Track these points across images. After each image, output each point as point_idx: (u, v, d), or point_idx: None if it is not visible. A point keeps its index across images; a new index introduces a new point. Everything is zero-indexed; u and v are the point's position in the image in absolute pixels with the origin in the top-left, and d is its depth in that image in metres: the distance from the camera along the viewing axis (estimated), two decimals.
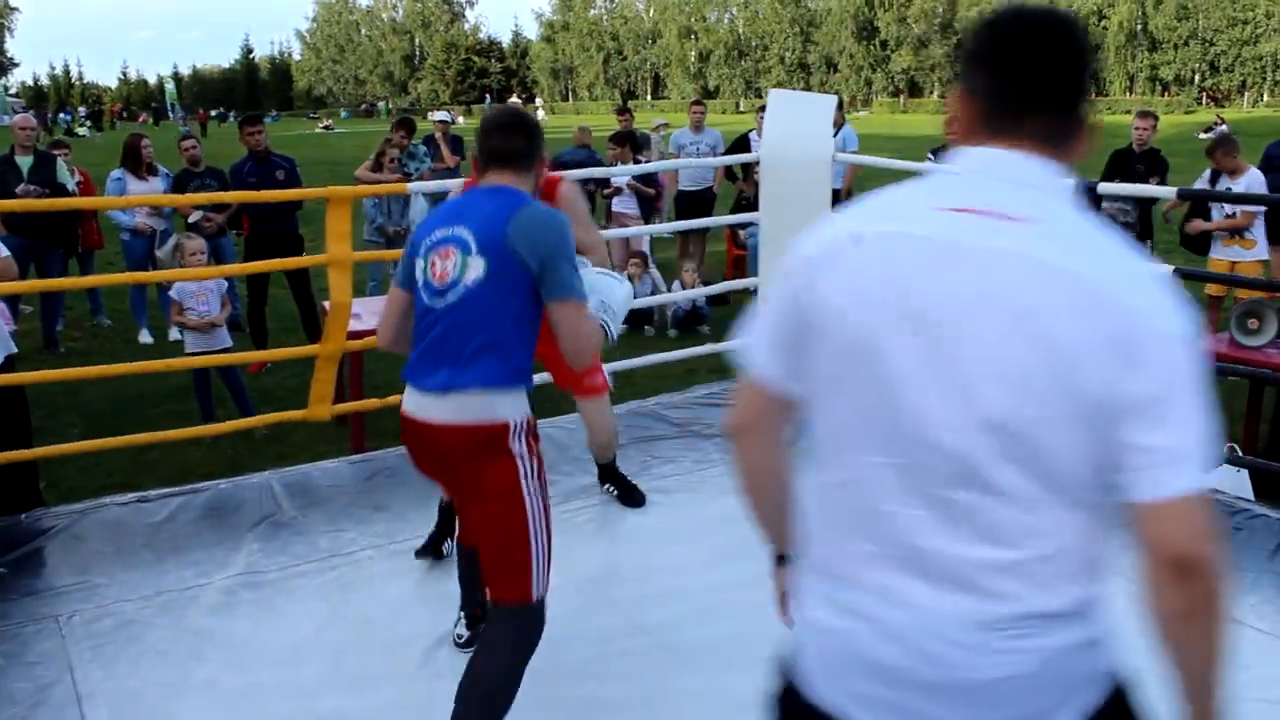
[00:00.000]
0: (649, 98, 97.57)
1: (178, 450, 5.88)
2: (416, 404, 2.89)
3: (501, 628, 2.88)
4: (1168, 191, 6.69)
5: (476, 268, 2.78)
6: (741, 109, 73.22)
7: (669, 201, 10.85)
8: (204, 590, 4.11)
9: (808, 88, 73.07)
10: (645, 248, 9.98)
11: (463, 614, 3.69)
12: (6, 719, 3.31)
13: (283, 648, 3.70)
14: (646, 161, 10.69)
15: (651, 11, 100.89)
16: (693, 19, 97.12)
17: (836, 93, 10.05)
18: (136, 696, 3.40)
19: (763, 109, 8.53)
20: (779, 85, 65.27)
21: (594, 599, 4.00)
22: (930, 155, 9.92)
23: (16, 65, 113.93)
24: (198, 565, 4.30)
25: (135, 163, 8.79)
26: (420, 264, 2.89)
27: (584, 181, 10.46)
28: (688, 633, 3.71)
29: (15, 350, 4.98)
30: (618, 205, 10.05)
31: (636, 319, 8.75)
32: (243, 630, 3.83)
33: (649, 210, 10.22)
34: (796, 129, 6.35)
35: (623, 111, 12.36)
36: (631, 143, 10.45)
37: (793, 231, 5.76)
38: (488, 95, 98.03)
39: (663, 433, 5.74)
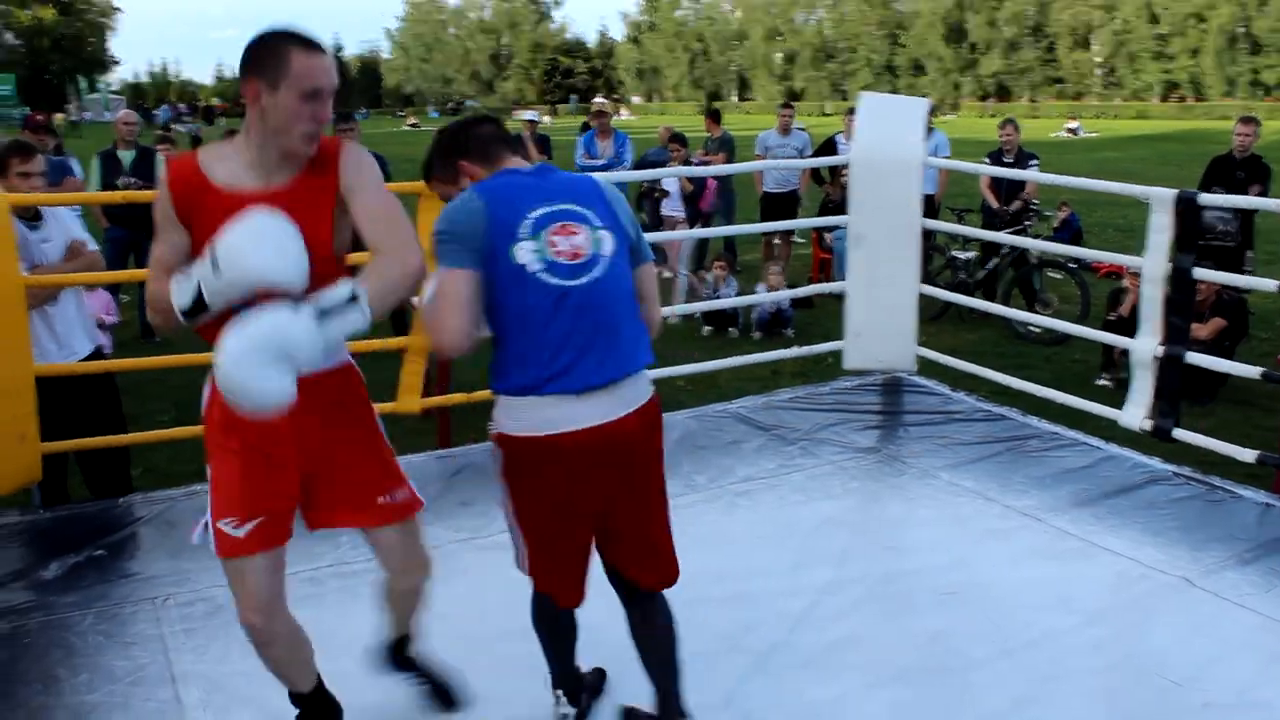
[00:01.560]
0: (735, 99, 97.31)
1: None
2: (595, 408, 2.69)
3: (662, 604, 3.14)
4: (1271, 204, 6.48)
5: (608, 241, 2.73)
6: (828, 112, 72.63)
7: (717, 203, 10.76)
8: (293, 579, 4.11)
9: (894, 91, 72.30)
10: (686, 251, 9.91)
11: None
12: (105, 695, 3.39)
13: (368, 639, 3.73)
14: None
15: (738, 13, 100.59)
16: (779, 20, 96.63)
17: (926, 96, 9.93)
18: (227, 680, 3.46)
19: (850, 112, 8.46)
20: (866, 88, 64.59)
21: (671, 602, 3.97)
22: (986, 159, 9.79)
23: (118, 63, 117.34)
24: (287, 554, 4.35)
25: None
26: (532, 245, 2.64)
27: (644, 183, 10.48)
28: (767, 637, 3.68)
29: (103, 343, 5.14)
30: (666, 208, 10.01)
31: (721, 321, 8.71)
32: (330, 619, 3.86)
33: (694, 213, 10.16)
34: (887, 132, 6.28)
35: (712, 114, 12.34)
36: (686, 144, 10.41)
37: (881, 235, 5.76)
38: (573, 95, 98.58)
39: (745, 436, 5.71)
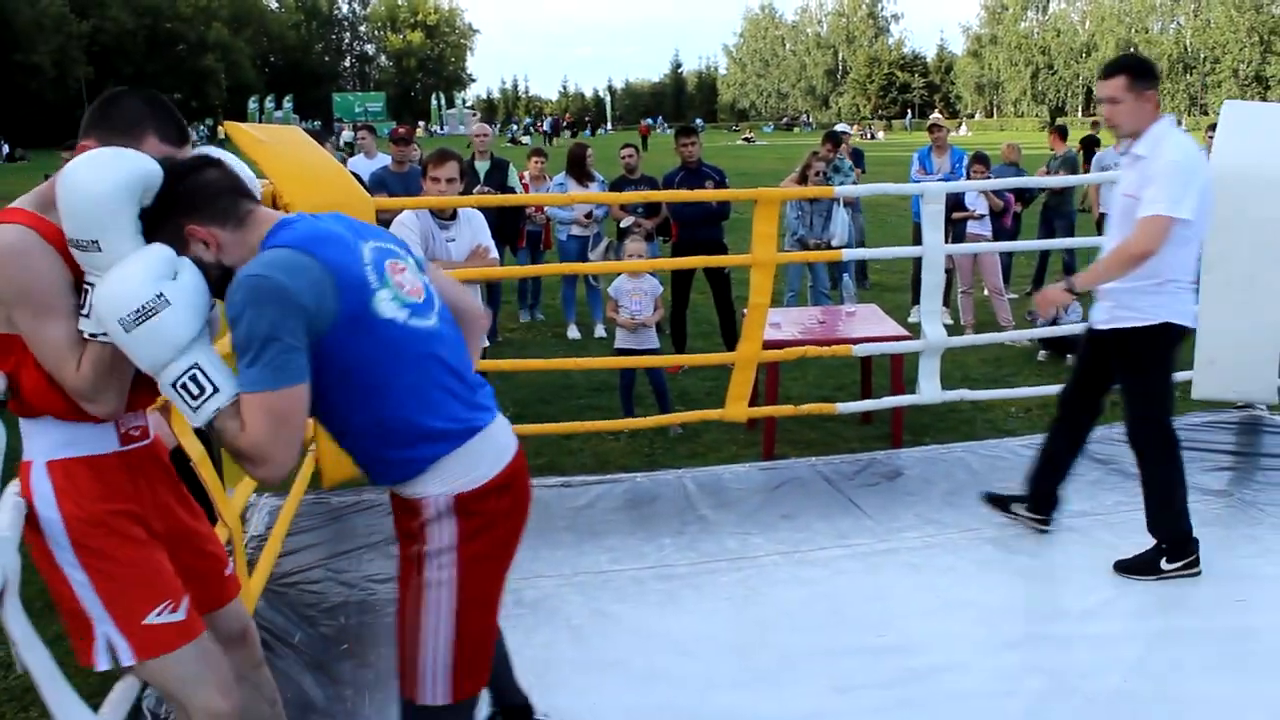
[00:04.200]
0: (1079, 114, 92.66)
1: (597, 440, 6.23)
2: (503, 431, 2.41)
3: None
4: None
5: (416, 269, 2.39)
6: (1183, 127, 67.95)
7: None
8: (617, 576, 4.33)
9: (1264, 102, 66.35)
10: (999, 271, 9.46)
11: None
12: None
13: (686, 640, 3.83)
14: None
15: (1088, 23, 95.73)
16: (1134, 30, 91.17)
17: None
18: (550, 667, 3.61)
19: (1211, 128, 7.87)
20: (1230, 99, 59.60)
21: (994, 632, 3.84)
22: None
23: (474, 81, 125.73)
24: (612, 552, 4.54)
25: (579, 170, 9.40)
26: (389, 293, 2.21)
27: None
28: (1102, 683, 3.47)
29: None
30: (974, 228, 9.60)
31: (1059, 347, 8.31)
32: (650, 619, 4.00)
33: (998, 231, 9.69)
34: (1255, 144, 5.79)
35: (1058, 129, 11.82)
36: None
37: (1246, 256, 5.29)
38: (909, 110, 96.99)
39: (1082, 469, 5.39)
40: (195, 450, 3.36)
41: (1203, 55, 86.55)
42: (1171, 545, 4.27)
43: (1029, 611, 4.00)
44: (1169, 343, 4.20)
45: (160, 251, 2.11)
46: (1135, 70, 4.16)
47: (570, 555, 4.52)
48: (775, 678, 3.55)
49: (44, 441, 2.29)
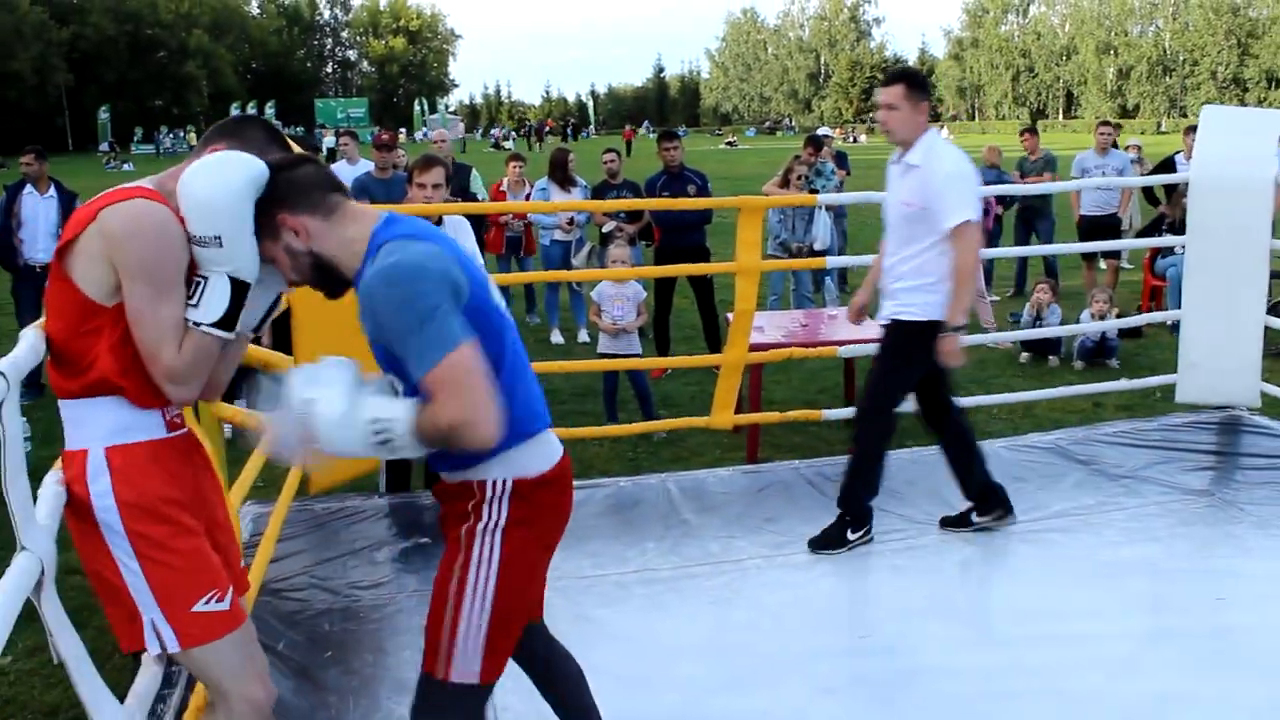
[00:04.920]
0: (1060, 117, 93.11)
1: (580, 445, 6.22)
2: (558, 443, 2.51)
3: None
4: None
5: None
6: (1163, 129, 68.17)
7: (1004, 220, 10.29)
8: (600, 581, 4.33)
9: (1242, 105, 66.91)
10: (981, 277, 9.49)
11: None
12: None
13: (669, 644, 3.83)
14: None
15: (1067, 26, 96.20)
16: (1113, 33, 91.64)
17: None
18: None
19: (1191, 129, 7.92)
20: (1209, 102, 59.92)
21: (978, 633, 3.86)
22: None
23: (456, 86, 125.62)
24: (595, 557, 4.54)
25: (561, 175, 9.40)
26: (491, 285, 2.38)
27: None
28: (1085, 682, 3.49)
29: None
30: None
31: (1041, 348, 8.36)
32: (633, 623, 4.00)
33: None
34: (1234, 148, 5.84)
35: (1029, 130, 11.87)
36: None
37: (1226, 261, 5.35)
38: None
39: (1063, 470, 5.45)
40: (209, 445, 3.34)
41: (1182, 58, 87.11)
42: (855, 518, 4.60)
43: (1012, 612, 4.01)
44: (933, 337, 4.38)
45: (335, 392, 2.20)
46: (912, 81, 4.42)
47: (553, 560, 4.50)
48: (759, 680, 3.56)
49: (100, 427, 2.31)
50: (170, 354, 2.25)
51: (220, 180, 2.22)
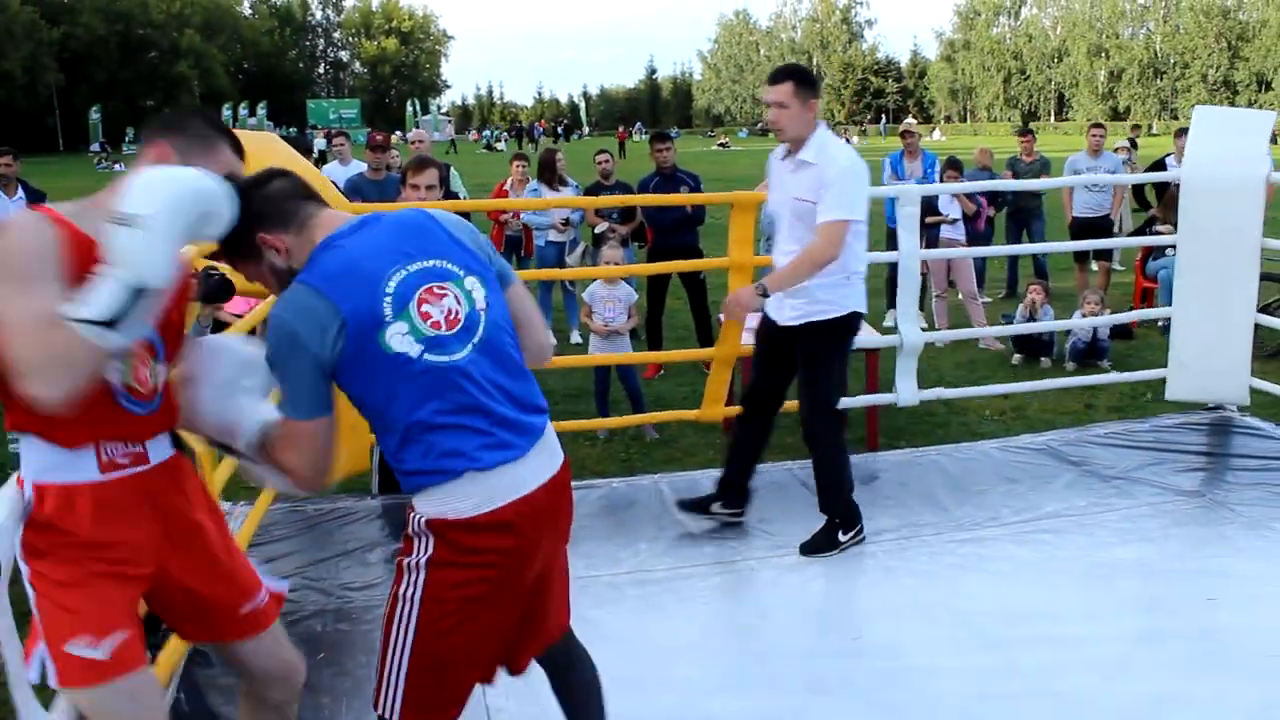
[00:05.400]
0: (1051, 119, 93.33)
1: (573, 446, 6.22)
2: (531, 471, 2.33)
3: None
4: None
5: (478, 289, 2.33)
6: (1155, 131, 68.30)
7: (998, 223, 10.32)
8: (594, 583, 4.33)
9: (1233, 106, 66.85)
10: (972, 275, 9.52)
11: None
12: None
13: (666, 646, 3.84)
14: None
15: (1059, 29, 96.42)
16: (1104, 36, 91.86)
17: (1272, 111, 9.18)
18: (527, 674, 3.60)
19: (1181, 132, 7.94)
20: (1200, 105, 59.94)
21: (971, 634, 3.87)
22: None
23: (449, 87, 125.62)
24: (589, 558, 4.53)
25: (550, 175, 9.40)
26: (404, 327, 2.20)
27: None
28: (1079, 684, 3.50)
29: None
30: (946, 232, 9.64)
31: (1033, 348, 8.37)
32: (627, 625, 4.00)
33: (972, 235, 9.75)
34: (1226, 148, 5.86)
35: (1024, 133, 11.89)
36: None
37: (1217, 260, 5.37)
38: (883, 115, 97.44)
39: (1055, 470, 5.46)
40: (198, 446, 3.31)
41: (1172, 60, 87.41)
42: (844, 519, 4.62)
43: (1004, 613, 4.02)
44: (852, 331, 4.52)
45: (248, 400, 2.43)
46: (801, 79, 4.40)
47: None
48: (753, 681, 3.56)
49: (29, 464, 2.25)
50: (23, 344, 1.99)
51: (172, 173, 2.10)
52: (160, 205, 2.03)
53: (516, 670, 2.60)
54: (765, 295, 4.41)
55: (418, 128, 22.77)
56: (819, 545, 4.56)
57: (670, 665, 3.67)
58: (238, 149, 2.36)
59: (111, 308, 2.00)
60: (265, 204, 2.25)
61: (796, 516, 4.84)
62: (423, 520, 2.28)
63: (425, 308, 2.22)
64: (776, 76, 4.39)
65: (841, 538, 4.58)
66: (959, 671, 3.58)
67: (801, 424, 4.65)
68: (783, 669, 3.63)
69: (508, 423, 2.30)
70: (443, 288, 2.26)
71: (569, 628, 2.70)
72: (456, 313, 2.26)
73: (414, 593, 2.28)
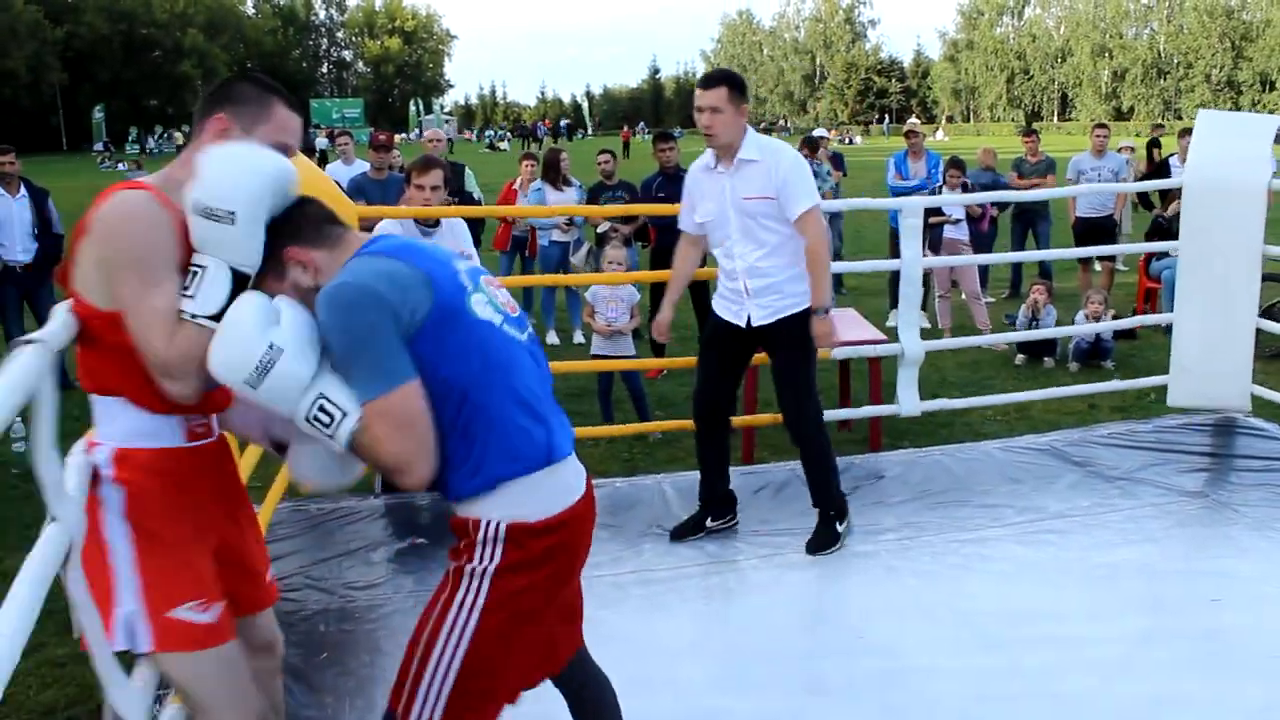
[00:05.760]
0: (1055, 119, 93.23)
1: (577, 446, 6.19)
2: (574, 473, 2.34)
3: None
4: None
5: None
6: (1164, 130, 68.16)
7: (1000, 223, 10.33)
8: (597, 582, 4.32)
9: (1236, 108, 67.10)
10: (976, 276, 9.53)
11: None
12: None
13: (668, 645, 3.84)
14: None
15: (1062, 29, 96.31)
16: (1108, 35, 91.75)
17: (1275, 113, 9.15)
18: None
19: (1185, 133, 7.93)
20: (1203, 105, 60.04)
21: (973, 635, 3.86)
22: None
23: (452, 86, 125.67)
24: (592, 557, 4.45)
25: (554, 175, 9.40)
26: (483, 296, 2.23)
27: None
28: (1079, 685, 3.49)
29: None
30: (950, 232, 9.65)
31: (1036, 349, 8.37)
32: (630, 624, 4.00)
33: (976, 236, 9.76)
34: (1229, 152, 5.85)
35: (1029, 133, 11.89)
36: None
37: (1219, 263, 5.36)
38: (886, 115, 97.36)
39: (1058, 471, 5.46)
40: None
41: (1176, 60, 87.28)
42: (838, 509, 4.65)
43: (1007, 614, 4.01)
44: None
45: (254, 302, 2.13)
46: (734, 83, 4.42)
47: None
48: (755, 680, 3.56)
49: (115, 427, 2.27)
50: (160, 346, 2.11)
51: (251, 161, 2.14)
52: (246, 198, 2.10)
53: (529, 685, 2.53)
54: (828, 310, 4.46)
55: (428, 127, 22.78)
56: (824, 541, 4.56)
57: (673, 665, 3.67)
58: (290, 103, 2.38)
59: (221, 302, 2.12)
60: (300, 220, 2.23)
61: (798, 516, 4.84)
62: (499, 525, 2.19)
63: (491, 288, 2.27)
64: (710, 81, 4.39)
65: (839, 528, 4.60)
66: (960, 672, 3.58)
67: (789, 424, 4.66)
68: (784, 669, 3.63)
69: (556, 418, 2.32)
70: (491, 280, 2.32)
71: (583, 644, 2.68)
72: (512, 302, 2.32)
73: (475, 600, 2.21)
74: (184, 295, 2.14)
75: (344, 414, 2.09)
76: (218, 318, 2.12)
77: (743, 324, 4.53)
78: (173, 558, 2.27)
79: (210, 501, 2.41)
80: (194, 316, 2.13)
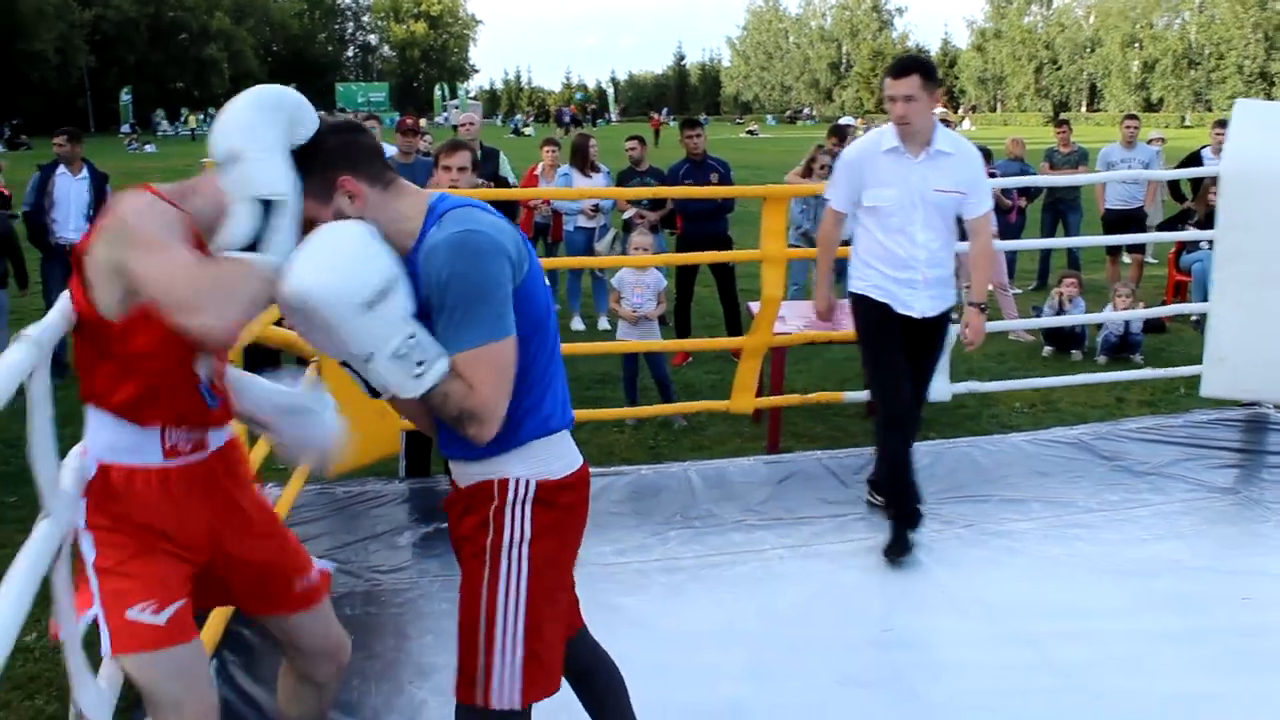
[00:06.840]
0: (1083, 109, 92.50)
1: (601, 433, 6.22)
2: (576, 451, 2.41)
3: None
4: None
5: None
6: (1187, 123, 67.64)
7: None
8: (622, 569, 4.33)
9: (1269, 99, 66.25)
10: (1004, 267, 9.44)
11: None
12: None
13: (691, 634, 3.82)
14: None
15: (1092, 18, 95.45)
16: (1138, 25, 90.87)
17: None
18: None
19: (1219, 125, 7.84)
20: (1234, 97, 59.23)
21: (1001, 629, 3.84)
22: None
23: (477, 71, 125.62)
24: (617, 544, 4.53)
25: (582, 160, 9.37)
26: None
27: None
28: (1107, 681, 3.47)
29: None
30: None
31: (1064, 341, 8.30)
32: (654, 612, 3.99)
33: (1004, 227, 9.68)
34: (1269, 143, 5.76)
35: (1060, 124, 11.80)
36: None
37: (1257, 255, 5.26)
38: None
39: (1087, 465, 5.41)
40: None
41: (1207, 51, 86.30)
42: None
43: (1036, 608, 3.98)
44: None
45: (368, 228, 2.08)
46: (928, 71, 4.31)
47: None
48: (780, 670, 3.55)
49: (95, 439, 2.29)
50: (170, 289, 2.00)
51: (241, 99, 2.11)
52: (251, 128, 2.07)
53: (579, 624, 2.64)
54: (985, 310, 4.55)
55: (462, 110, 22.75)
56: (900, 548, 4.40)
57: (697, 653, 3.65)
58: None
59: (250, 228, 2.06)
60: (357, 150, 2.18)
61: (825, 505, 4.83)
62: (528, 485, 2.23)
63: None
64: (903, 69, 4.27)
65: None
66: (989, 666, 3.56)
67: (914, 408, 4.55)
68: (811, 659, 3.61)
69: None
70: None
71: (584, 626, 2.68)
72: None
73: (520, 572, 2.23)
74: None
75: (437, 355, 2.07)
76: (249, 249, 2.07)
77: (914, 314, 4.43)
78: (126, 562, 2.28)
79: (189, 521, 2.37)
80: (220, 250, 2.09)
